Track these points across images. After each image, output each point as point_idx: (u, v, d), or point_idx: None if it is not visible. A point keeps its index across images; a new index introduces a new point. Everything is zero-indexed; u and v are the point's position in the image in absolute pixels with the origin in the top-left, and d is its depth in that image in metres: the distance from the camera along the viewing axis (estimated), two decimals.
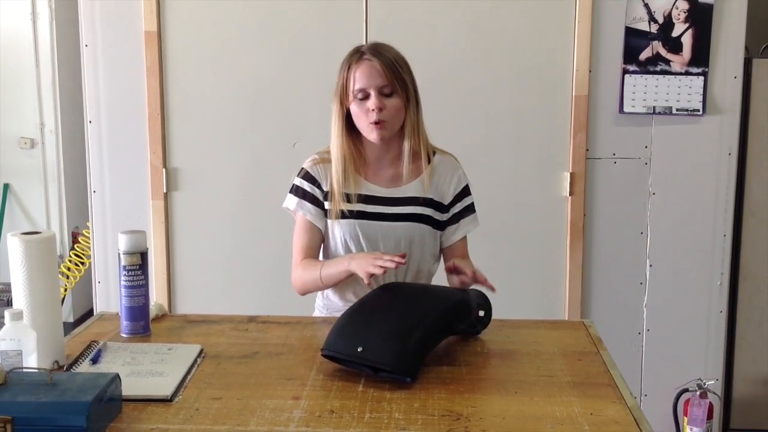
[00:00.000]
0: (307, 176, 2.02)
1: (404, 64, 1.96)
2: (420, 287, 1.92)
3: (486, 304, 1.85)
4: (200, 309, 2.76)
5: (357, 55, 1.95)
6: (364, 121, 1.93)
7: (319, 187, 2.00)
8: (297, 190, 2.02)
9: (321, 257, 2.07)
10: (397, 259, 1.77)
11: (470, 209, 2.08)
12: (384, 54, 1.94)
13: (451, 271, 1.91)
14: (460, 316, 1.74)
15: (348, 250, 2.00)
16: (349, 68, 1.94)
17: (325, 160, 2.02)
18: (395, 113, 1.94)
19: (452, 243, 2.07)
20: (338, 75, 1.97)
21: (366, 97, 1.92)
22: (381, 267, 1.77)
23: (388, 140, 1.98)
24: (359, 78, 1.92)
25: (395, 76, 1.92)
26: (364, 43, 2.86)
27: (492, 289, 1.85)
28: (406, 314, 1.65)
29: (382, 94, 1.92)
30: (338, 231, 1.99)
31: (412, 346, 1.58)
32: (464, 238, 2.09)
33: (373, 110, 1.91)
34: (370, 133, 1.94)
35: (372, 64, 1.92)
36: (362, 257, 1.85)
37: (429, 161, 2.03)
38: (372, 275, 1.79)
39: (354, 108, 1.94)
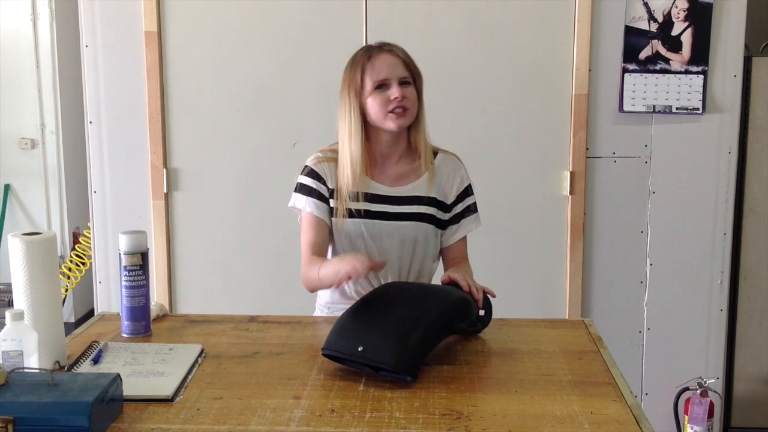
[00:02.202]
0: (312, 173, 2.02)
1: (412, 59, 2.01)
2: (420, 286, 1.93)
3: (486, 303, 1.85)
4: (201, 309, 2.77)
5: (374, 49, 1.97)
6: (383, 111, 1.93)
7: (324, 184, 2.01)
8: (302, 188, 2.02)
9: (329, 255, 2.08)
10: (378, 262, 1.80)
11: (471, 209, 2.09)
12: (399, 47, 1.99)
13: (446, 284, 1.88)
14: (460, 315, 1.75)
15: (353, 249, 2.00)
16: (366, 61, 1.95)
17: (329, 158, 2.02)
18: (414, 102, 1.97)
19: (452, 243, 2.07)
20: (349, 73, 1.98)
21: (386, 87, 1.93)
22: (361, 267, 1.73)
23: (396, 136, 1.99)
24: (380, 69, 1.93)
25: (412, 68, 1.97)
26: (363, 43, 2.88)
27: (492, 294, 1.85)
28: (406, 313, 1.66)
29: (401, 84, 1.94)
30: (344, 230, 2.00)
31: (413, 345, 1.58)
32: (464, 238, 2.09)
33: (395, 98, 1.92)
34: (389, 122, 1.94)
35: (393, 54, 1.95)
36: (350, 257, 1.80)
37: (432, 160, 2.03)
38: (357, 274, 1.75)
39: (371, 101, 1.94)
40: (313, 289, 2.00)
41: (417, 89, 1.98)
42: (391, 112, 1.93)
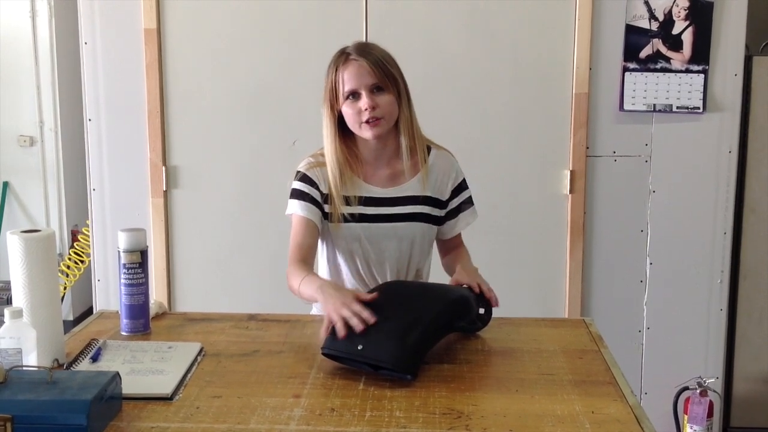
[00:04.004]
0: (304, 178, 2.00)
1: (392, 61, 1.95)
2: (420, 285, 1.92)
3: (486, 301, 1.85)
4: (200, 307, 2.76)
5: (343, 57, 1.93)
6: (357, 121, 1.91)
7: (317, 189, 1.98)
8: (295, 193, 2.00)
9: (323, 259, 2.06)
10: (366, 317, 1.59)
11: (468, 202, 2.08)
12: (370, 53, 1.93)
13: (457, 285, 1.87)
14: (460, 313, 1.74)
15: (350, 254, 1.99)
16: (336, 71, 1.93)
17: (321, 163, 2.00)
18: (388, 108, 1.92)
19: (450, 236, 2.08)
20: (326, 79, 1.96)
21: (357, 97, 1.91)
22: (348, 318, 1.60)
23: (383, 138, 1.96)
24: (348, 79, 1.90)
25: (384, 73, 1.91)
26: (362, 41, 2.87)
27: (495, 304, 1.84)
28: (406, 312, 1.65)
29: (372, 92, 1.90)
30: (340, 234, 1.98)
31: (413, 343, 1.58)
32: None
33: (366, 110, 1.89)
34: (364, 132, 1.92)
35: (360, 64, 1.90)
36: (334, 294, 1.69)
37: (425, 158, 2.02)
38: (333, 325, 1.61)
39: (345, 110, 1.92)
40: (292, 293, 1.93)
41: (396, 92, 1.93)
42: (365, 122, 1.90)
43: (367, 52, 1.92)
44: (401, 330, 1.59)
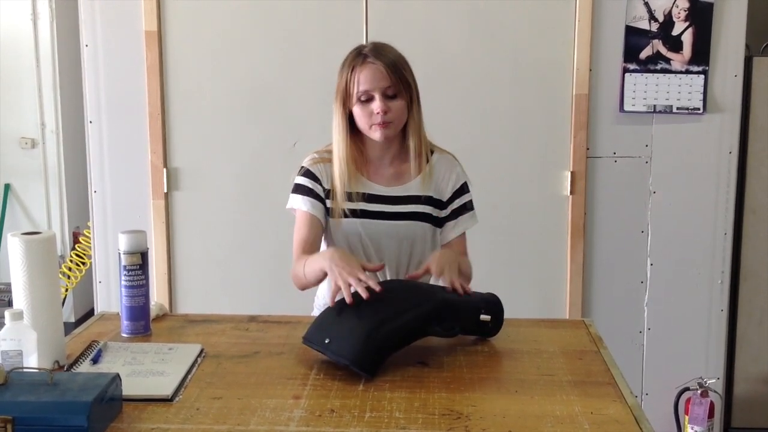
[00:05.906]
0: (308, 174, 2.02)
1: (406, 65, 1.96)
2: (413, 285, 1.90)
3: (494, 310, 1.82)
4: (201, 309, 2.77)
5: (360, 57, 1.93)
6: (368, 122, 1.93)
7: (320, 184, 2.00)
8: (298, 188, 2.02)
9: None
10: (372, 285, 1.66)
11: (468, 207, 2.08)
12: (386, 55, 1.93)
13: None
14: (438, 318, 1.70)
15: (350, 250, 2.00)
16: (352, 70, 1.93)
17: (325, 159, 2.02)
18: (399, 113, 1.94)
19: (450, 239, 2.07)
20: (339, 77, 1.97)
21: (369, 99, 1.92)
22: (359, 285, 1.67)
23: (388, 140, 1.98)
24: (363, 81, 1.91)
25: (399, 78, 1.92)
26: (364, 42, 2.87)
27: (460, 293, 1.78)
28: (378, 312, 1.65)
29: (385, 96, 1.92)
30: (340, 230, 1.99)
31: (375, 344, 1.59)
32: (462, 235, 2.08)
33: (377, 113, 1.90)
34: (373, 133, 1.94)
35: (376, 67, 1.91)
36: (341, 261, 1.75)
37: (428, 160, 2.03)
38: (349, 288, 1.69)
39: (357, 110, 1.94)
40: (301, 287, 1.97)
41: (408, 97, 1.94)
42: (376, 124, 1.92)
43: (383, 54, 1.93)
44: (368, 329, 1.60)
